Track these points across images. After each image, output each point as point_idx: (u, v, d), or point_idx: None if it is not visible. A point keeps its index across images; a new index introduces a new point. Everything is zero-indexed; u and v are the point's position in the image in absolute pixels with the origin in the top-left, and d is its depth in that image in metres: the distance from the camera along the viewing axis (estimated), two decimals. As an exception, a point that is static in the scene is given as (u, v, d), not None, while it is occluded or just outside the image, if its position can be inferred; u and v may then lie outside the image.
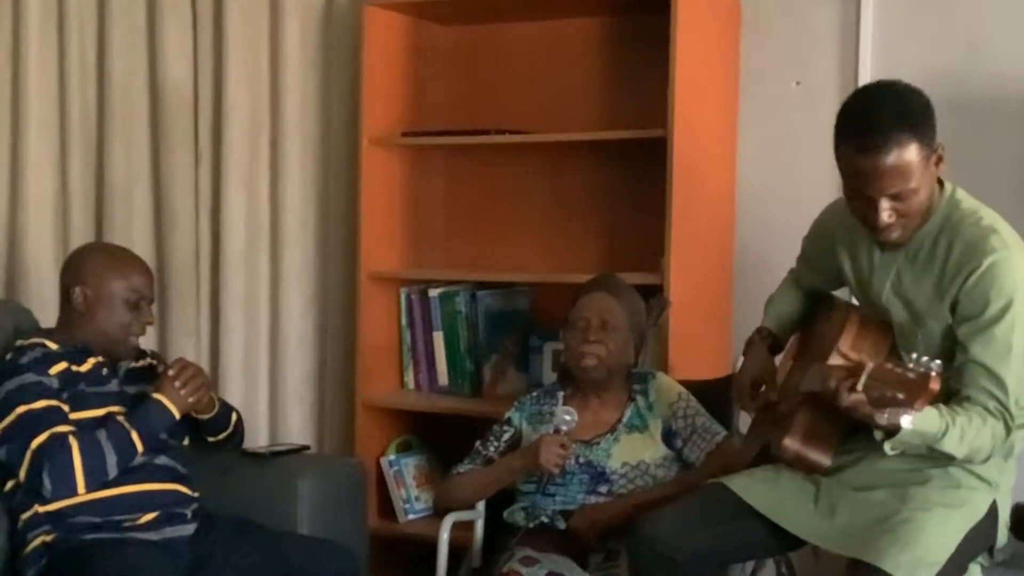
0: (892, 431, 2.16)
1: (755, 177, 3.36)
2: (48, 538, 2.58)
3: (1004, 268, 2.21)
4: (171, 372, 2.71)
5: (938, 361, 2.01)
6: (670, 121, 3.01)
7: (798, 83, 3.30)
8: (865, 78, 3.20)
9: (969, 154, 3.08)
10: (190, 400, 2.71)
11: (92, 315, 2.72)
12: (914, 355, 2.04)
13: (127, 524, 2.61)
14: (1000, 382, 2.22)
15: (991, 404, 2.23)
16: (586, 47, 3.51)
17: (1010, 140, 3.08)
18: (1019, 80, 3.06)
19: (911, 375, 2.02)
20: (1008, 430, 2.24)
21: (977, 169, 3.04)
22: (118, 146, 3.61)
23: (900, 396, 2.02)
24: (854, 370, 2.11)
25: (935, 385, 1.99)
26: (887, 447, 2.21)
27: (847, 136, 2.23)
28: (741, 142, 3.38)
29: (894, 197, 2.22)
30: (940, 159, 2.26)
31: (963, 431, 2.20)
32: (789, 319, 2.67)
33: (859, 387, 2.08)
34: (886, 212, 2.23)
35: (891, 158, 2.18)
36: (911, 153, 2.19)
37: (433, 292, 3.50)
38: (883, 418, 2.06)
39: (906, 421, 2.04)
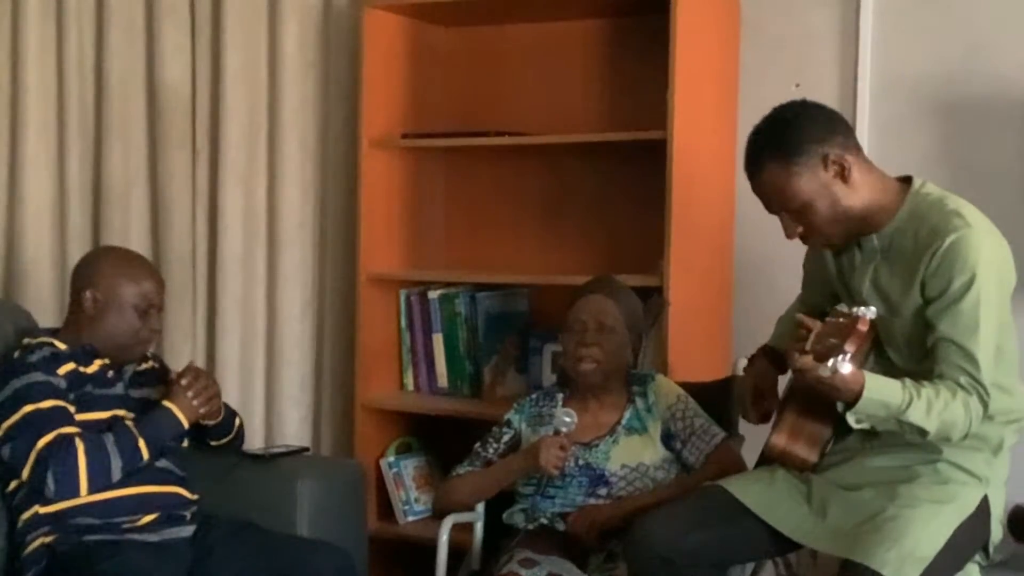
0: (848, 399, 2.18)
1: (754, 179, 3.36)
2: (48, 539, 2.58)
3: (965, 244, 2.24)
4: (184, 381, 2.70)
5: (873, 308, 2.10)
6: (669, 123, 3.01)
7: (797, 85, 3.30)
8: (864, 80, 3.20)
9: (969, 156, 3.09)
10: (201, 411, 2.71)
11: (101, 319, 2.71)
12: (854, 308, 2.11)
13: (126, 526, 2.61)
14: (970, 356, 2.23)
15: (962, 379, 2.24)
16: (585, 49, 3.51)
17: (1010, 142, 3.08)
18: (1019, 81, 3.06)
19: (843, 320, 2.10)
20: (984, 405, 2.24)
21: (977, 171, 3.06)
22: (116, 146, 3.60)
23: (834, 341, 2.07)
24: (805, 334, 2.15)
25: (863, 326, 2.06)
26: (850, 419, 2.23)
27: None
28: (740, 144, 3.34)
29: (790, 213, 2.32)
30: (841, 166, 2.30)
31: (930, 403, 2.21)
32: (790, 335, 2.68)
33: (808, 347, 2.12)
34: (788, 226, 2.34)
35: (758, 181, 2.35)
36: (773, 174, 2.31)
37: (433, 294, 3.50)
38: (825, 371, 2.09)
39: (845, 368, 2.08)
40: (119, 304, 2.71)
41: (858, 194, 2.32)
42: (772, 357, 2.65)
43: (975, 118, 3.08)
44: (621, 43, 3.46)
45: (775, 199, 2.33)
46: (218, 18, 3.60)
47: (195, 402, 2.69)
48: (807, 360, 2.12)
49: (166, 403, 2.68)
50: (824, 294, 2.62)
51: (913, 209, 2.33)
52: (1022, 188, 3.05)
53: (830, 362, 2.06)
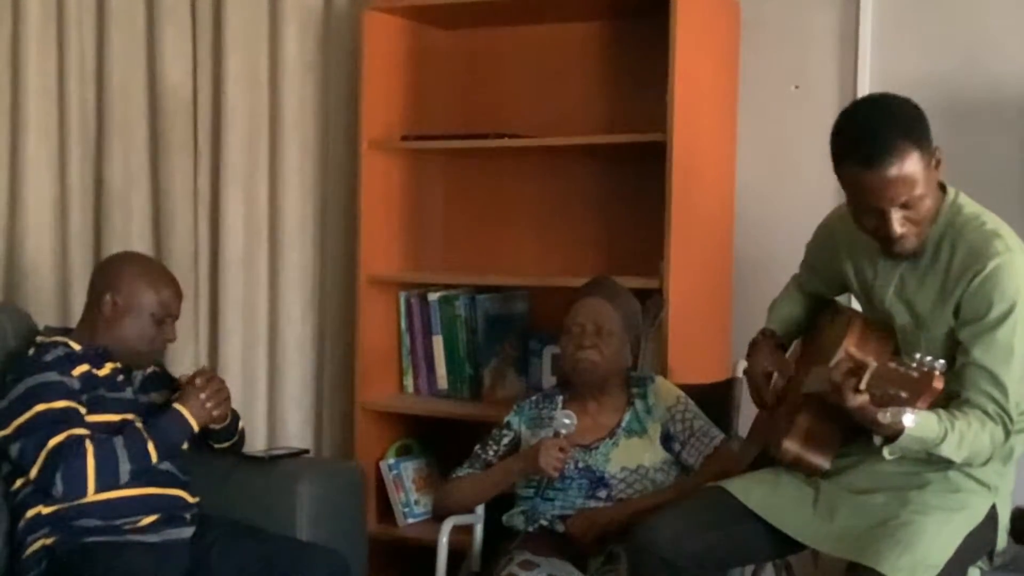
0: (892, 436, 2.16)
1: (754, 181, 3.37)
2: (48, 541, 2.58)
3: (1007, 272, 2.21)
4: (198, 382, 2.71)
5: (942, 360, 2.01)
6: (669, 125, 3.01)
7: (797, 87, 3.31)
8: (864, 82, 3.20)
9: (968, 159, 3.08)
10: (214, 413, 2.72)
11: (118, 323, 2.72)
12: (917, 355, 2.03)
13: (127, 527, 2.62)
14: (1001, 385, 2.22)
15: (991, 407, 2.23)
16: (586, 51, 3.51)
17: (1009, 145, 3.08)
18: (1018, 85, 3.06)
19: (914, 374, 2.01)
20: (1007, 434, 2.24)
21: (976, 174, 3.04)
22: (117, 149, 3.61)
23: (903, 395, 2.02)
24: (857, 370, 2.10)
25: (939, 384, 1.99)
26: (886, 452, 2.20)
27: (849, 152, 2.23)
28: (740, 146, 3.38)
29: (904, 206, 2.22)
30: (939, 162, 2.27)
31: (962, 436, 2.19)
32: (792, 322, 2.67)
33: (862, 386, 2.07)
34: (898, 222, 2.23)
35: (896, 169, 2.18)
36: (913, 161, 2.19)
37: (432, 296, 3.50)
38: (886, 417, 2.06)
39: (908, 420, 2.04)
40: (138, 310, 2.72)
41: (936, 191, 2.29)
42: (773, 342, 2.63)
43: (974, 120, 3.08)
44: (621, 45, 3.46)
45: (902, 189, 2.20)
46: (219, 21, 3.60)
47: (208, 404, 2.70)
48: (862, 401, 2.08)
49: (176, 406, 2.68)
50: (830, 286, 2.60)
51: (949, 221, 2.30)
52: (1020, 191, 3.05)
53: (890, 412, 2.03)
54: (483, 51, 3.65)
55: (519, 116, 3.54)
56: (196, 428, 2.69)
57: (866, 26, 3.21)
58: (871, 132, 2.21)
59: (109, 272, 2.79)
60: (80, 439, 2.54)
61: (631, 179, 3.39)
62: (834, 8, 3.26)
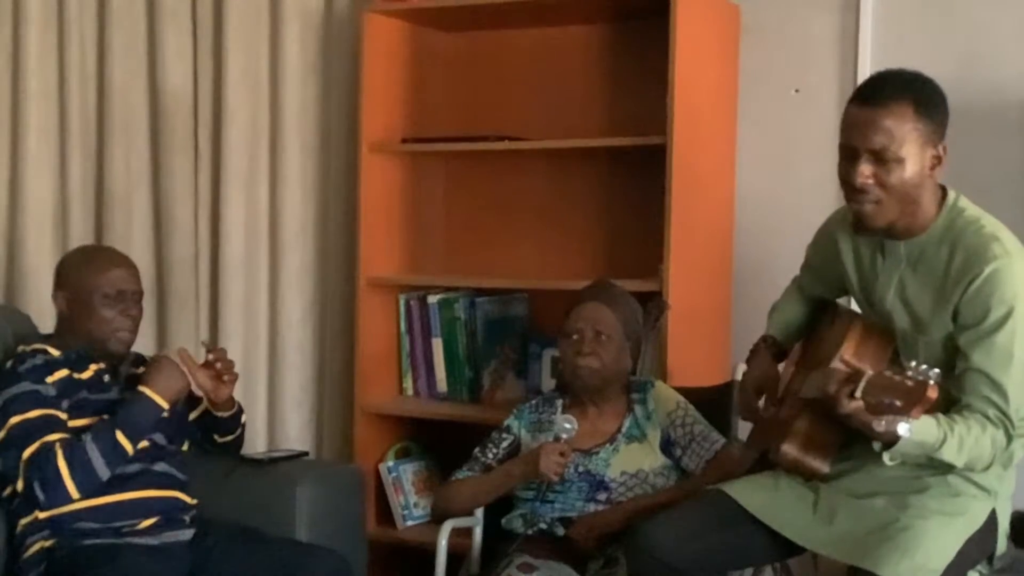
0: (890, 441, 2.16)
1: (754, 184, 3.37)
2: (47, 543, 2.58)
3: (1005, 275, 2.21)
4: (210, 356, 2.76)
5: (936, 370, 2.01)
6: (669, 128, 3.02)
7: (797, 90, 3.31)
8: (864, 85, 3.20)
9: (969, 162, 3.07)
10: (225, 380, 2.75)
11: (75, 317, 2.71)
12: (913, 363, 2.04)
13: (126, 530, 2.61)
14: (1001, 390, 2.21)
15: (991, 412, 2.22)
16: (586, 54, 3.51)
17: (1009, 148, 3.08)
18: (1018, 88, 3.06)
19: (909, 383, 2.02)
20: (1009, 438, 2.24)
21: (977, 177, 3.04)
22: (118, 151, 3.61)
23: (897, 403, 2.02)
24: (853, 377, 2.11)
25: (932, 393, 2.00)
26: (886, 457, 2.20)
27: (856, 92, 2.28)
28: (740, 149, 3.38)
29: (877, 159, 2.21)
30: (939, 158, 2.27)
31: (962, 440, 2.19)
32: (794, 327, 2.67)
33: (857, 394, 2.08)
34: (865, 172, 2.22)
35: (883, 112, 2.20)
36: (905, 116, 2.21)
37: (432, 298, 3.50)
38: (880, 425, 2.06)
39: (903, 429, 2.04)
40: (86, 296, 2.70)
41: (927, 192, 2.28)
42: (774, 350, 2.64)
43: (973, 124, 3.07)
44: (621, 48, 3.46)
45: (881, 133, 2.20)
46: (220, 23, 3.60)
47: (220, 370, 2.74)
48: (857, 407, 2.09)
49: (140, 388, 2.65)
50: (830, 288, 2.60)
51: (948, 224, 2.29)
52: (1020, 194, 3.05)
53: (884, 421, 2.03)
54: (483, 53, 3.65)
55: (519, 119, 3.54)
56: (165, 405, 2.65)
57: (866, 30, 3.21)
58: (883, 77, 2.27)
59: (56, 273, 2.79)
60: (50, 445, 2.53)
61: (631, 182, 3.40)
62: (834, 12, 3.26)
